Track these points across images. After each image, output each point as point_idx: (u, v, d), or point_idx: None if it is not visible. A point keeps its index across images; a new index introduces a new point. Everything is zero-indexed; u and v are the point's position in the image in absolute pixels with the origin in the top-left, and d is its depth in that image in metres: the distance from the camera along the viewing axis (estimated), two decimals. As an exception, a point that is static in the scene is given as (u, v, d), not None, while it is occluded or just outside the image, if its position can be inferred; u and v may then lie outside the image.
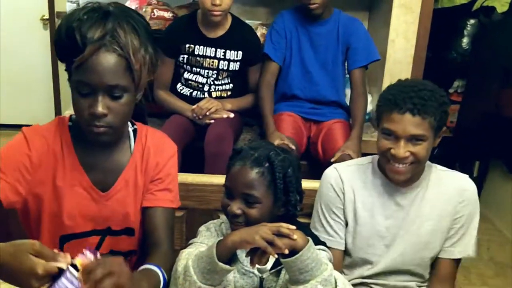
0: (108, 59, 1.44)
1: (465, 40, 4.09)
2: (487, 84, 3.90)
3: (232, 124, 3.01)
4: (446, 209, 1.91)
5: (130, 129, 1.70)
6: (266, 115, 3.05)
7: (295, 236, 1.44)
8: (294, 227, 1.46)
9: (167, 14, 3.37)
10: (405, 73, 3.51)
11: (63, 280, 1.20)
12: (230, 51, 3.06)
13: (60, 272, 1.20)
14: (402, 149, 1.76)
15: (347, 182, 1.94)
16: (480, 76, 3.98)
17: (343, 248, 1.95)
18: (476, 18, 4.08)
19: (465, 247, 1.94)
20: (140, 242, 1.74)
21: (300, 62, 3.17)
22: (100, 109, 1.45)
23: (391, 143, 1.79)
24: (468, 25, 4.09)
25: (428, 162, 1.93)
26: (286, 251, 1.42)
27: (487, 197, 4.33)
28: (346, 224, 1.95)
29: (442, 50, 4.08)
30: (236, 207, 1.61)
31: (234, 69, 3.10)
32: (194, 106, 3.01)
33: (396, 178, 1.85)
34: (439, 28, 3.73)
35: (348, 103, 3.26)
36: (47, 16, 4.23)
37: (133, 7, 3.44)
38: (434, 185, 1.93)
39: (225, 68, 3.08)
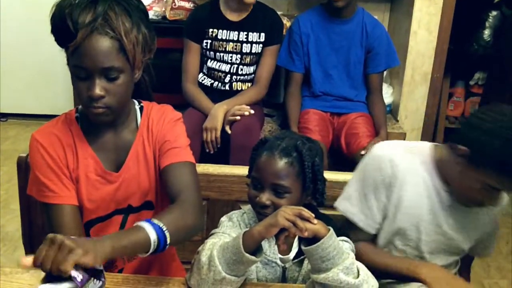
0: (101, 42, 1.46)
1: (486, 32, 4.05)
2: (508, 76, 3.86)
3: (258, 116, 3.02)
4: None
5: (137, 107, 1.72)
6: (291, 126, 3.09)
7: (315, 221, 1.43)
8: (313, 214, 1.45)
9: (188, 5, 3.38)
10: (427, 65, 3.51)
11: None
12: (253, 33, 3.06)
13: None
14: None
15: (401, 173, 1.78)
16: (502, 68, 3.94)
17: (373, 232, 1.86)
18: (498, 9, 4.04)
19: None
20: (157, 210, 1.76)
21: (320, 65, 3.19)
22: (97, 91, 1.49)
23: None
24: (490, 17, 4.05)
25: None
26: (306, 234, 1.41)
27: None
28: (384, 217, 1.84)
29: (464, 42, 4.05)
30: (266, 198, 1.60)
31: (256, 51, 3.09)
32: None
33: None
34: (461, 20, 3.70)
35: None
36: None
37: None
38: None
39: (248, 51, 3.08)
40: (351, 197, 1.86)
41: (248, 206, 1.76)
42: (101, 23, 1.45)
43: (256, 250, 1.48)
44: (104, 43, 1.46)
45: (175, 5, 3.37)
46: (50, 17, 1.50)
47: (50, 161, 1.60)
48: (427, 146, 1.84)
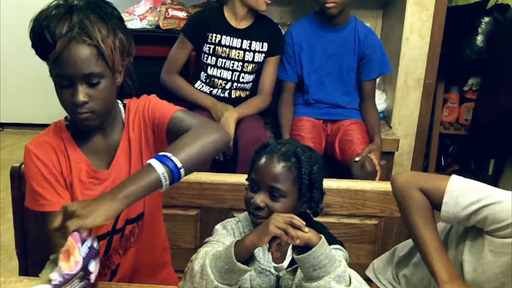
0: (79, 50, 1.51)
1: (479, 38, 4.06)
2: (502, 81, 3.87)
3: (258, 117, 3.06)
4: None
5: (121, 106, 1.76)
6: (284, 133, 3.12)
7: (306, 229, 1.44)
8: (304, 222, 1.46)
9: (182, 14, 3.39)
10: (420, 70, 3.53)
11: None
12: (256, 42, 3.08)
13: None
14: None
15: None
16: (495, 73, 3.95)
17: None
18: (490, 15, 4.05)
19: None
20: (146, 203, 1.78)
21: (313, 73, 3.21)
22: (80, 97, 1.54)
23: None
24: (483, 23, 4.06)
25: None
26: (298, 241, 1.42)
27: (502, 195, 4.31)
28: None
29: (457, 48, 4.06)
30: (260, 200, 1.60)
31: (258, 60, 3.11)
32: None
33: None
34: (454, 26, 3.72)
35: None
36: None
37: (148, 7, 3.48)
38: None
39: (251, 59, 3.09)
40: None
41: (243, 214, 1.77)
42: (78, 32, 1.50)
43: (249, 259, 1.49)
44: (82, 50, 1.52)
45: (168, 14, 3.38)
46: (29, 32, 1.55)
47: (43, 169, 1.64)
48: None
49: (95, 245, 1.39)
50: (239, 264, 1.44)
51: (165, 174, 1.44)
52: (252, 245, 1.46)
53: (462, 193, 1.58)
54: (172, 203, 2.13)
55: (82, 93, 1.54)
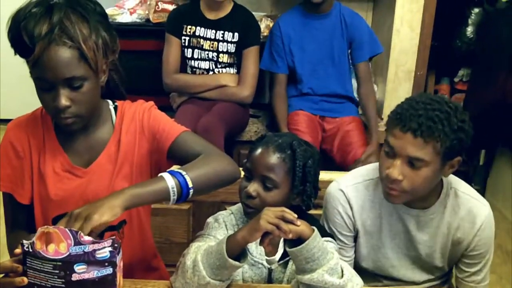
0: (60, 53, 1.42)
1: (469, 29, 4.07)
2: (492, 72, 3.88)
3: (223, 115, 2.99)
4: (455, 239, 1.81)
5: (111, 107, 1.70)
6: (281, 127, 3.11)
7: (298, 222, 1.43)
8: (296, 215, 1.46)
9: (172, 7, 3.38)
10: (411, 62, 3.53)
11: None
12: (229, 32, 3.09)
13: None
14: (397, 169, 1.61)
15: (356, 206, 1.82)
16: (485, 64, 3.96)
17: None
18: (480, 6, 4.06)
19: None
20: (130, 211, 1.72)
21: (305, 62, 3.21)
22: (62, 102, 1.46)
23: (389, 162, 1.64)
24: (473, 14, 4.07)
25: (450, 181, 1.79)
26: (290, 235, 1.42)
27: (493, 186, 4.32)
28: (355, 239, 1.87)
29: (447, 39, 4.07)
30: (253, 189, 1.62)
31: (230, 51, 3.11)
32: None
33: (389, 200, 1.72)
34: (444, 17, 3.72)
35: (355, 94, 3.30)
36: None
37: (137, 1, 3.46)
38: (450, 214, 1.79)
39: (224, 50, 3.11)
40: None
41: (235, 207, 1.77)
42: (58, 33, 1.41)
43: (241, 254, 1.48)
44: (63, 53, 1.42)
45: (158, 7, 3.37)
46: (7, 32, 1.47)
47: (11, 152, 1.62)
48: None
49: (98, 256, 1.33)
50: (230, 260, 1.44)
51: (175, 188, 1.43)
52: (244, 241, 1.46)
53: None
54: (164, 197, 2.12)
55: (64, 97, 1.46)
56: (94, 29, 1.48)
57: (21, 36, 1.41)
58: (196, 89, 3.12)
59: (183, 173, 1.46)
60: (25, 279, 1.32)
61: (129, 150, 1.66)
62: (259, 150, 1.66)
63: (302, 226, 1.44)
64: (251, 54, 3.13)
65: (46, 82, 1.46)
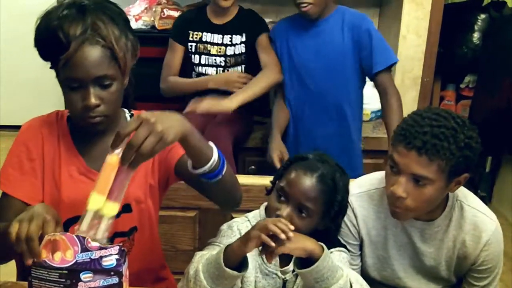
0: (93, 52, 1.47)
1: (475, 35, 4.07)
2: (498, 79, 3.88)
3: (229, 123, 2.97)
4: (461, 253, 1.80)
5: (127, 115, 1.74)
6: (273, 127, 2.92)
7: (291, 234, 1.41)
8: (292, 227, 1.43)
9: (177, 14, 3.38)
10: (417, 69, 3.51)
11: None
12: (236, 35, 3.07)
13: None
14: (401, 187, 1.58)
15: (360, 215, 1.82)
16: (491, 71, 3.96)
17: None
18: (486, 13, 4.06)
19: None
20: (140, 219, 1.74)
21: (294, 69, 2.90)
22: (92, 100, 1.49)
23: (393, 179, 1.62)
24: (479, 20, 4.07)
25: (457, 194, 1.76)
26: (279, 252, 1.41)
27: (499, 192, 4.31)
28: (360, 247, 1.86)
29: (453, 46, 4.06)
30: (286, 213, 1.58)
31: (240, 52, 3.08)
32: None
33: (395, 217, 1.71)
34: (450, 24, 3.72)
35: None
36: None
37: (143, 7, 3.46)
38: (455, 227, 1.77)
39: (232, 53, 3.08)
40: None
41: (252, 213, 1.75)
42: (91, 33, 1.47)
43: (242, 264, 1.47)
44: (96, 52, 1.47)
45: (164, 14, 3.37)
46: (36, 30, 1.51)
47: (23, 153, 1.63)
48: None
49: (104, 263, 1.31)
50: (228, 270, 1.42)
51: (215, 163, 1.44)
52: (239, 250, 1.44)
53: None
54: (171, 205, 2.11)
55: (94, 96, 1.49)
56: (123, 32, 1.54)
57: (55, 36, 1.45)
58: (187, 91, 3.11)
59: (224, 158, 1.48)
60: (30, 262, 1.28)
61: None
62: (300, 175, 1.61)
63: (313, 245, 1.43)
64: (264, 41, 3.03)
65: (76, 81, 1.49)
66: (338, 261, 1.58)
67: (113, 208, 1.31)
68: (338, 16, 2.77)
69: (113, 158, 1.30)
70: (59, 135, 1.66)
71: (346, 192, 1.68)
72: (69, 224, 1.67)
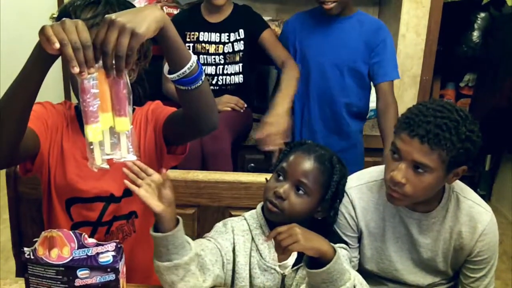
0: None
1: (475, 34, 4.07)
2: (498, 77, 3.88)
3: (229, 122, 2.95)
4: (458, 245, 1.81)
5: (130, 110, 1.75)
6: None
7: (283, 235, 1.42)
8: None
9: (176, 12, 3.38)
10: (416, 67, 3.52)
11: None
12: (234, 33, 3.07)
13: None
14: (401, 173, 1.61)
15: (359, 207, 1.84)
16: (491, 69, 3.96)
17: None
18: (486, 11, 4.06)
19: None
20: (140, 205, 1.73)
21: (304, 63, 2.88)
22: None
23: (394, 165, 1.65)
24: (479, 19, 4.07)
25: (453, 186, 1.79)
26: (293, 250, 1.43)
27: (499, 191, 4.32)
28: (359, 240, 1.88)
29: (453, 44, 4.06)
30: (283, 190, 1.61)
31: (239, 49, 3.08)
32: None
33: (391, 202, 1.73)
34: (449, 22, 3.72)
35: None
36: (56, 14, 4.24)
37: (142, 5, 3.46)
38: (451, 219, 1.79)
39: (231, 50, 3.07)
40: None
41: (249, 213, 1.75)
42: (101, 19, 1.43)
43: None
44: None
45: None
46: (56, 19, 1.51)
47: (44, 111, 1.65)
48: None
49: (101, 260, 1.33)
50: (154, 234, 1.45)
51: (194, 64, 1.42)
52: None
53: None
54: (169, 202, 2.11)
55: None
56: None
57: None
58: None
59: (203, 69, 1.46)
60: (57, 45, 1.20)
61: (139, 140, 1.72)
62: (300, 155, 1.67)
63: (326, 246, 1.43)
64: (269, 37, 3.01)
65: None
66: None
67: (124, 123, 1.28)
68: (357, 20, 2.79)
69: (99, 73, 1.24)
70: (68, 121, 1.71)
71: (344, 175, 1.71)
72: (71, 203, 1.72)
